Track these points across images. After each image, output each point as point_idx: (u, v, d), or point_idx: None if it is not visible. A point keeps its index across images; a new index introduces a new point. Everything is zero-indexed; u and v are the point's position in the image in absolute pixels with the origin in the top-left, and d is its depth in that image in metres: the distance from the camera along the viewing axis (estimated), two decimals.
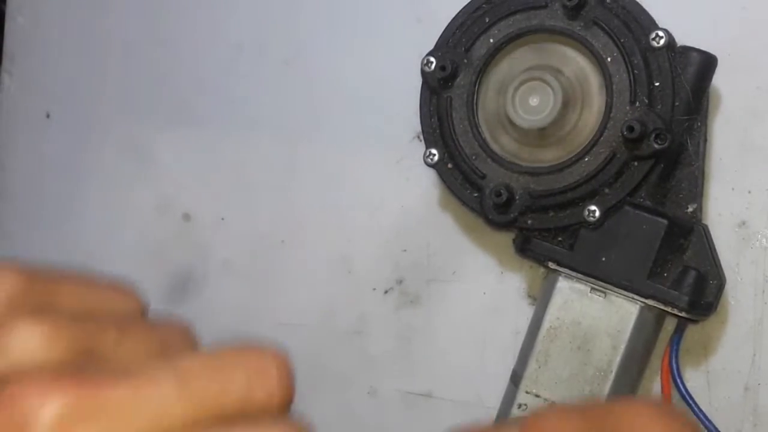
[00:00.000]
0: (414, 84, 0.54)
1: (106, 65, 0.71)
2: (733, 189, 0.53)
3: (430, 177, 0.58)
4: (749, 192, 0.52)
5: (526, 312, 0.56)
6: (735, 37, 0.53)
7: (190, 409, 0.26)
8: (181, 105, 0.68)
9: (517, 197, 0.51)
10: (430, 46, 0.53)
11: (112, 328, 0.28)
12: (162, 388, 0.26)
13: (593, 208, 0.50)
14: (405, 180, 0.60)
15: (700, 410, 0.51)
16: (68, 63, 0.72)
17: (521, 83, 0.50)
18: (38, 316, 0.27)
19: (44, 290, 0.28)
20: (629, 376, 0.52)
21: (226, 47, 0.67)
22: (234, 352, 0.27)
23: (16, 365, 0.26)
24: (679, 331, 0.52)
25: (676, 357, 0.52)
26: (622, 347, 0.51)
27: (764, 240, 0.52)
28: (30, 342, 0.26)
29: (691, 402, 0.51)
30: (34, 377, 0.25)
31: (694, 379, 0.53)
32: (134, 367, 0.26)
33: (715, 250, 0.51)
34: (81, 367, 0.26)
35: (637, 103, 0.49)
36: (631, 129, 0.48)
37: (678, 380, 0.51)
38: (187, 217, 0.66)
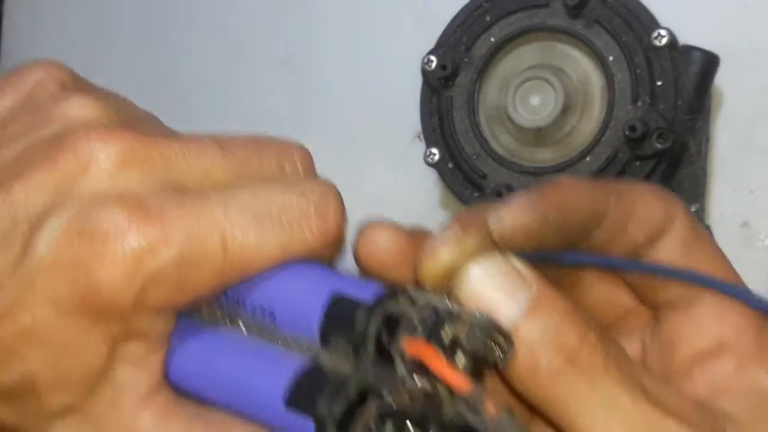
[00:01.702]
0: (414, 83, 0.54)
1: (105, 64, 0.70)
2: (735, 189, 0.52)
3: (431, 177, 0.58)
4: (752, 192, 0.52)
5: None
6: (738, 36, 0.52)
7: (233, 174, 0.30)
8: (180, 105, 0.67)
9: None
10: (431, 46, 0.52)
11: (143, 115, 0.33)
12: (209, 151, 0.30)
13: None
14: (405, 179, 0.60)
15: None
16: (66, 62, 0.71)
17: (524, 81, 0.50)
18: (88, 92, 0.31)
19: (83, 82, 0.33)
20: None
21: (226, 47, 0.67)
22: (267, 138, 0.32)
23: (75, 125, 0.29)
24: None
25: None
26: None
27: (767, 240, 0.52)
28: (84, 109, 0.30)
29: None
30: (94, 128, 0.29)
31: None
32: (183, 135, 0.30)
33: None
34: (134, 127, 0.30)
35: (639, 103, 0.49)
36: (632, 128, 0.48)
37: None
38: None
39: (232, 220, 0.28)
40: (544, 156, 0.51)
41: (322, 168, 0.63)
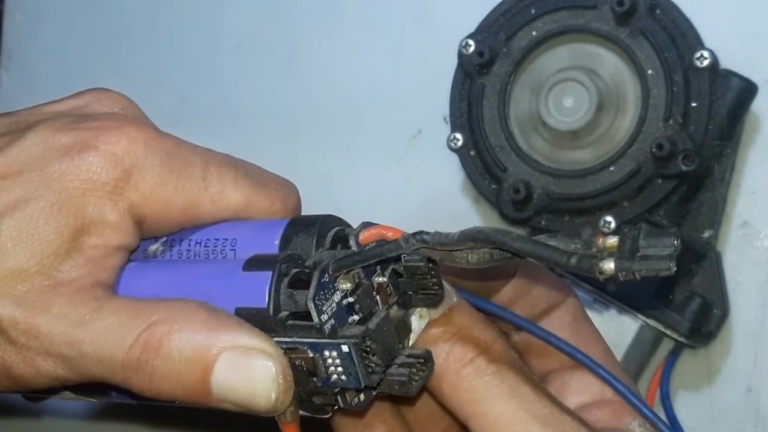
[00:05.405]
0: (414, 83, 0.53)
1: (105, 64, 0.70)
2: (738, 188, 0.52)
3: (431, 176, 0.57)
4: (754, 193, 0.52)
5: None
6: None
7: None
8: (180, 104, 0.66)
9: (535, 196, 0.49)
10: (430, 45, 0.51)
11: None
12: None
13: (609, 219, 0.49)
14: (405, 179, 0.59)
15: None
16: (66, 61, 0.71)
17: (560, 81, 0.49)
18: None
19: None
20: None
21: (225, 47, 0.66)
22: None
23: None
24: (674, 355, 0.51)
25: (668, 380, 0.51)
26: None
27: (767, 241, 0.51)
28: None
29: (677, 429, 0.50)
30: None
31: (695, 381, 0.52)
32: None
33: (724, 279, 0.50)
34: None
35: (671, 121, 0.48)
36: (660, 146, 0.47)
37: (666, 403, 0.51)
38: None
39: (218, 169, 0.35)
40: (567, 159, 0.50)
41: (322, 167, 0.62)
